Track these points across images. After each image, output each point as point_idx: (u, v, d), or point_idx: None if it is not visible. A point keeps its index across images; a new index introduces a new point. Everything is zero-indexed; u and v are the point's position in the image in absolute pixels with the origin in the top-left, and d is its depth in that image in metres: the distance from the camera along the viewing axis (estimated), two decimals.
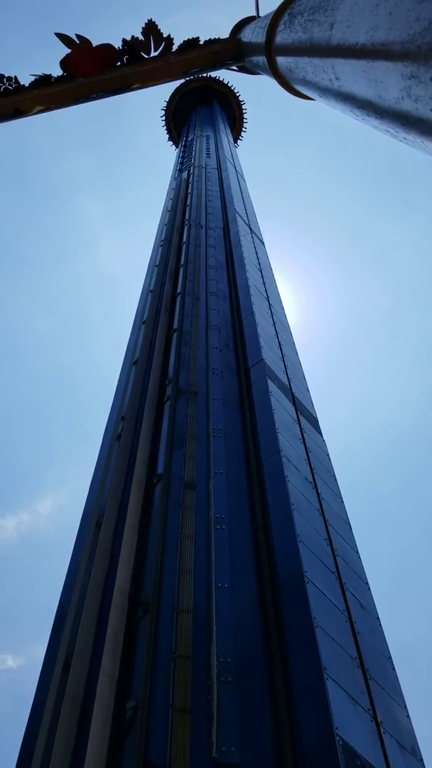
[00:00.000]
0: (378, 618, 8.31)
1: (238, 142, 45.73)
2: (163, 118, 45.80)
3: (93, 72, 11.25)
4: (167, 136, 46.01)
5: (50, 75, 12.35)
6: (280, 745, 5.89)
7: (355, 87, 3.25)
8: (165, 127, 45.96)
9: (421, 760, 6.56)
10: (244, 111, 47.36)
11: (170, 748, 5.78)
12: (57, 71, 13.64)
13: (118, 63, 11.60)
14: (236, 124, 46.09)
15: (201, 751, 5.78)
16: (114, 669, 6.97)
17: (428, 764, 6.62)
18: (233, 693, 6.24)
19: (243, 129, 46.88)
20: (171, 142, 45.74)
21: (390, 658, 7.68)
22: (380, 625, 8.20)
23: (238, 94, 46.52)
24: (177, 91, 44.92)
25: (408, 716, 7.04)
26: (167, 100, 45.52)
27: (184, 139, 36.95)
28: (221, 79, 45.60)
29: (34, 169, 79.09)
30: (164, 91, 47.25)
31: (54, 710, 6.71)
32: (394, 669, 7.55)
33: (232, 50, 10.38)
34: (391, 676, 7.40)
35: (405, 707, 7.12)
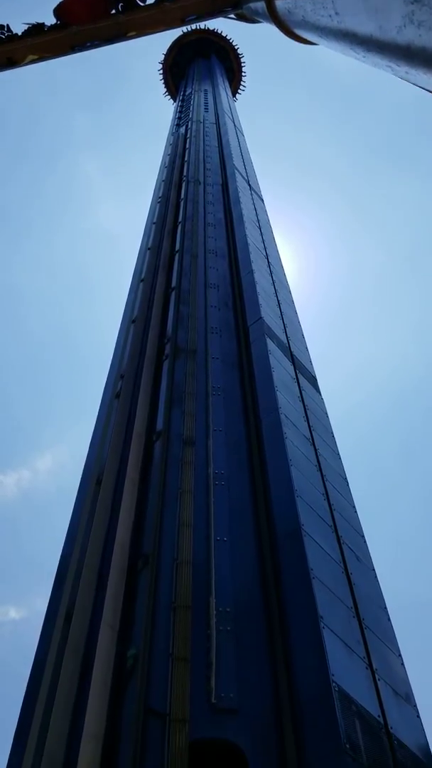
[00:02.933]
0: (374, 570, 8.44)
1: (237, 95, 44.97)
2: (161, 71, 44.82)
3: (87, 20, 10.92)
4: (164, 89, 45.17)
5: (43, 23, 12.02)
6: (277, 692, 6.04)
7: (356, 21, 3.15)
8: (162, 80, 45.04)
9: (415, 706, 6.74)
10: (242, 64, 46.26)
11: (170, 695, 5.92)
12: (51, 20, 13.29)
13: (113, 11, 11.25)
14: (235, 78, 45.15)
15: (200, 698, 5.92)
16: (115, 619, 7.11)
17: (421, 710, 6.80)
18: (232, 641, 6.37)
19: (242, 82, 45.95)
20: (168, 96, 44.89)
21: (385, 608, 7.82)
22: (376, 576, 8.33)
23: (236, 47, 45.41)
24: (175, 44, 43.85)
25: (402, 664, 7.20)
26: (165, 53, 44.48)
27: (182, 93, 36.11)
28: (219, 32, 44.79)
29: (32, 127, 77.57)
30: (164, 47, 46.13)
31: (56, 660, 6.86)
32: (389, 619, 7.70)
33: None
34: (386, 626, 7.55)
35: (399, 655, 7.28)
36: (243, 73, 45.67)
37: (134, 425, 10.13)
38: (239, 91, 45.19)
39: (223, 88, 36.06)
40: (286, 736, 5.69)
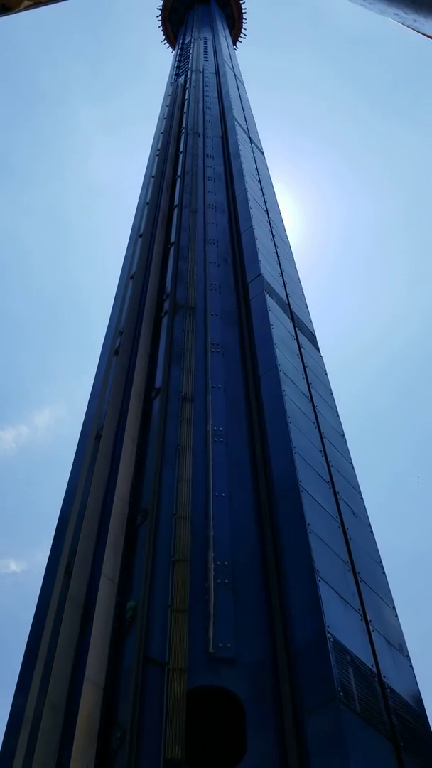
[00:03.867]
0: (369, 525, 8.56)
1: (238, 44, 43.73)
2: (159, 18, 43.58)
3: None
4: (163, 36, 44.04)
5: None
6: (273, 642, 6.19)
7: None
8: (161, 27, 43.84)
9: (408, 656, 6.92)
10: (243, 11, 44.95)
11: (169, 644, 6.07)
12: None
13: None
14: (235, 25, 43.94)
15: (199, 648, 6.08)
16: (114, 572, 7.24)
17: (414, 660, 6.99)
18: (229, 593, 6.51)
19: (243, 30, 44.74)
20: (167, 44, 43.73)
21: (380, 562, 7.97)
22: (371, 531, 8.46)
23: None
24: None
25: (396, 616, 7.37)
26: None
27: (181, 41, 35.01)
28: None
29: (21, 71, 75.26)
30: None
31: (57, 611, 7.01)
32: (383, 572, 7.85)
33: None
34: (381, 579, 7.71)
35: (393, 608, 7.45)
36: (243, 20, 44.54)
37: (133, 382, 10.14)
38: (240, 39, 44.16)
39: (224, 36, 35.02)
40: (282, 684, 5.86)
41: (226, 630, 6.26)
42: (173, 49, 40.04)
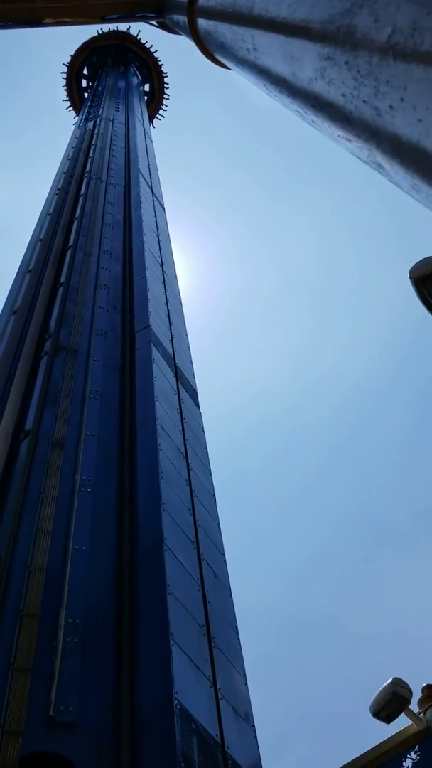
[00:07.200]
0: (230, 588, 8.57)
1: (156, 121, 39.34)
2: (65, 77, 38.60)
3: None
4: (66, 96, 38.92)
5: None
6: (119, 706, 5.97)
7: (271, 61, 3.21)
8: (65, 88, 38.70)
9: (253, 726, 6.88)
10: (165, 85, 39.82)
11: (6, 706, 5.69)
12: None
13: None
14: (155, 98, 39.47)
15: (39, 710, 5.74)
16: None
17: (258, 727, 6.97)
18: (78, 653, 6.22)
19: (162, 107, 39.77)
20: (71, 108, 38.76)
21: (236, 628, 7.96)
22: (231, 595, 8.47)
23: (160, 64, 39.37)
24: (85, 47, 38.49)
25: (246, 684, 7.35)
26: (71, 56, 38.45)
27: (95, 88, 35.18)
28: (143, 40, 39.04)
29: None
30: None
31: None
32: (238, 639, 7.84)
33: (154, 4, 9.97)
34: (235, 646, 7.68)
35: (244, 675, 7.43)
36: (165, 94, 39.87)
37: (1, 421, 9.70)
38: (159, 115, 39.91)
39: (138, 97, 35.02)
40: (122, 752, 5.64)
41: (71, 692, 5.95)
42: (78, 113, 35.16)
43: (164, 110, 40.27)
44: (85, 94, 37.50)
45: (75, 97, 39.05)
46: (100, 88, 33.07)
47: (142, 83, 39.02)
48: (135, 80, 37.03)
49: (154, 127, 37.84)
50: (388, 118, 1.65)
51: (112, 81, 33.52)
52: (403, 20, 1.58)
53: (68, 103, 39.16)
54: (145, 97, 38.32)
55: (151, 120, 37.55)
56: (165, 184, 25.01)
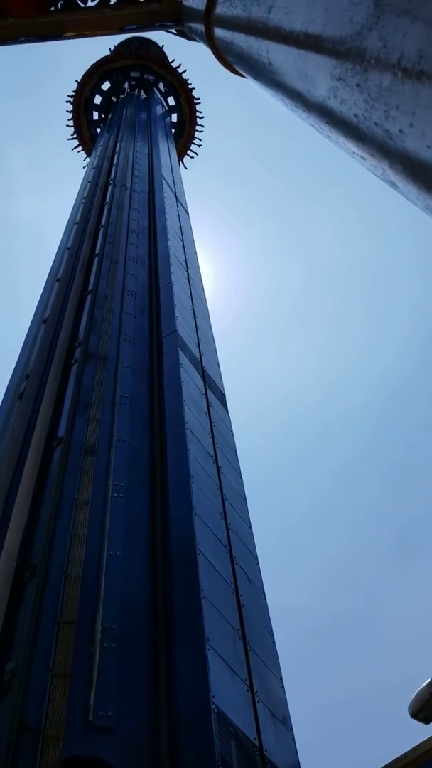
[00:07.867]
0: (263, 591, 8.60)
1: (186, 158, 34.11)
2: (70, 110, 32.72)
3: (24, 13, 10.64)
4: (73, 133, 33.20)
5: None
6: (156, 711, 6.04)
7: (287, 76, 3.24)
8: (72, 122, 32.81)
9: (291, 729, 6.90)
10: (198, 115, 33.71)
11: (47, 711, 5.80)
12: None
13: (52, 8, 11.03)
14: (186, 130, 33.74)
15: (78, 715, 5.84)
16: None
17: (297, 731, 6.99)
18: (115, 659, 6.31)
19: (195, 142, 33.96)
20: (81, 149, 33.50)
21: (271, 631, 7.99)
22: (265, 598, 8.49)
23: (191, 87, 33.45)
24: (97, 68, 32.91)
25: (282, 687, 7.37)
26: (81, 77, 32.59)
27: (118, 99, 34.36)
28: (172, 60, 33.79)
29: None
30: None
31: None
32: (273, 642, 7.86)
33: (172, 13, 10.08)
34: (271, 649, 7.71)
35: (281, 678, 7.45)
36: (198, 125, 34.12)
37: (35, 429, 9.88)
38: (190, 151, 34.36)
39: (161, 112, 32.89)
40: (161, 756, 5.70)
41: (108, 697, 6.04)
42: (87, 153, 31.53)
43: (197, 146, 34.37)
44: (98, 129, 33.03)
45: (85, 133, 33.65)
46: (123, 96, 32.27)
47: (168, 113, 33.90)
48: (159, 109, 32.20)
49: (185, 167, 33.61)
50: (399, 141, 1.68)
51: (131, 112, 28.84)
52: (410, 47, 1.60)
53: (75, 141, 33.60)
54: (173, 130, 33.43)
55: (180, 158, 33.00)
56: (189, 185, 24.83)
